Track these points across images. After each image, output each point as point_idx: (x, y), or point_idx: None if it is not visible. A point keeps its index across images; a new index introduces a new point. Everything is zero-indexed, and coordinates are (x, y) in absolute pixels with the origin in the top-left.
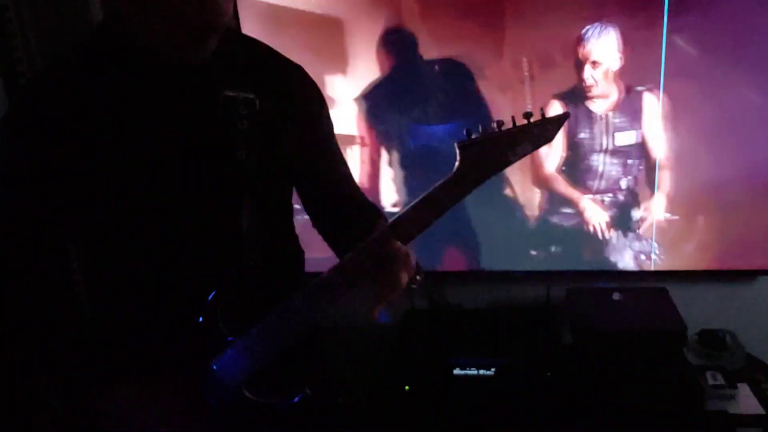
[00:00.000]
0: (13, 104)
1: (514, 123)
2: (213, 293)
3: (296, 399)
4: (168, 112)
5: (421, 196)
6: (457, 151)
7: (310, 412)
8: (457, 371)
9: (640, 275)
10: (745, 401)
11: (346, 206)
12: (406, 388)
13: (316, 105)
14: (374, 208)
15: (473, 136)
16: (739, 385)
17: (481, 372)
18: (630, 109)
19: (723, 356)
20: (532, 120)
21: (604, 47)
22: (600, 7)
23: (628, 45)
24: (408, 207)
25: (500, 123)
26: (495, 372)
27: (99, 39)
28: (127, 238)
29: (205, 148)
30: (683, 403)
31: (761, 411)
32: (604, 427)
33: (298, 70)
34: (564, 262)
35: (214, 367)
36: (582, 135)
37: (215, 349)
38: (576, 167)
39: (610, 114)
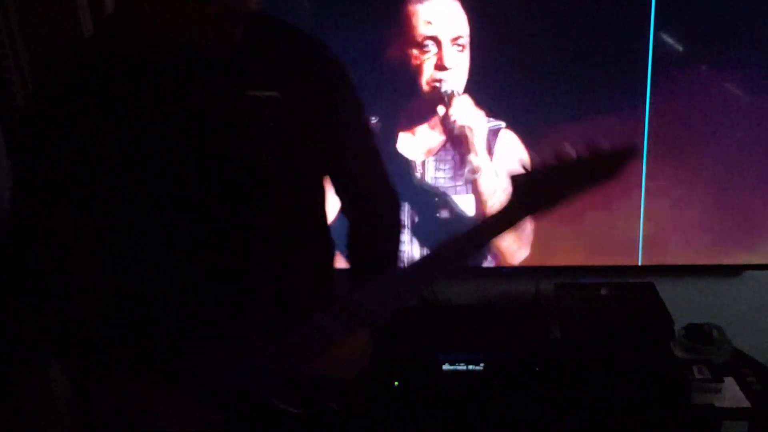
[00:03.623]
0: (28, 96)
1: (574, 155)
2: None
3: (320, 410)
4: (187, 113)
5: (462, 232)
6: (509, 183)
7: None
8: (446, 366)
9: (628, 270)
10: (731, 395)
11: (372, 194)
12: (396, 383)
13: (342, 87)
14: (395, 202)
15: (528, 169)
16: (725, 378)
17: (470, 367)
18: None
19: (709, 350)
20: (592, 153)
21: None
22: None
23: None
24: (448, 240)
25: (560, 154)
26: (484, 367)
27: (112, 29)
28: (145, 239)
29: (228, 151)
30: (670, 396)
31: (747, 404)
32: (592, 421)
33: (321, 47)
34: (552, 258)
35: (240, 373)
36: None
37: (243, 355)
38: None
39: None
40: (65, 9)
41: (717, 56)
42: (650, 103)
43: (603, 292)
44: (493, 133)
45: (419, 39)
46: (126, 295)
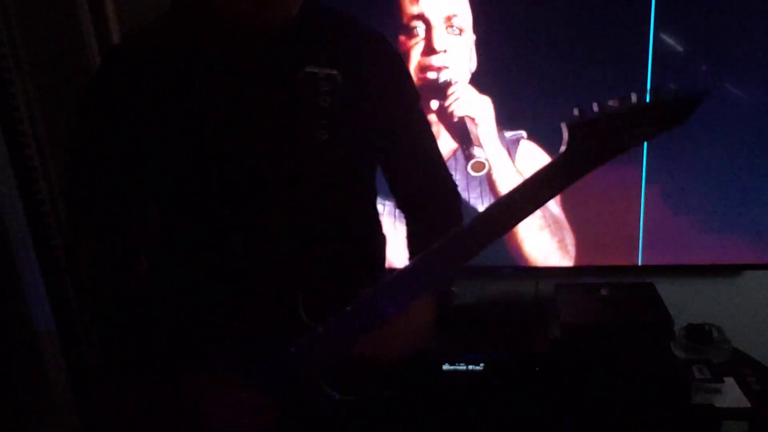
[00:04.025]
0: (92, 75)
1: (636, 100)
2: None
3: (381, 397)
4: (246, 88)
5: (517, 185)
6: (565, 132)
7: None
8: (446, 366)
9: (628, 270)
10: (731, 395)
11: (428, 186)
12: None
13: (399, 77)
14: (454, 193)
15: (585, 115)
16: (725, 378)
17: (470, 367)
18: None
19: (709, 350)
20: (659, 97)
21: None
22: None
23: None
24: (503, 197)
25: (623, 99)
26: (484, 367)
27: (177, 10)
28: (198, 216)
29: (285, 127)
30: (670, 396)
31: (747, 404)
32: (592, 421)
33: (381, 39)
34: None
35: (293, 357)
36: None
37: (293, 335)
38: None
39: None
40: (65, 9)
41: (717, 56)
42: None
43: (603, 292)
44: (513, 143)
45: (405, 20)
46: (177, 273)
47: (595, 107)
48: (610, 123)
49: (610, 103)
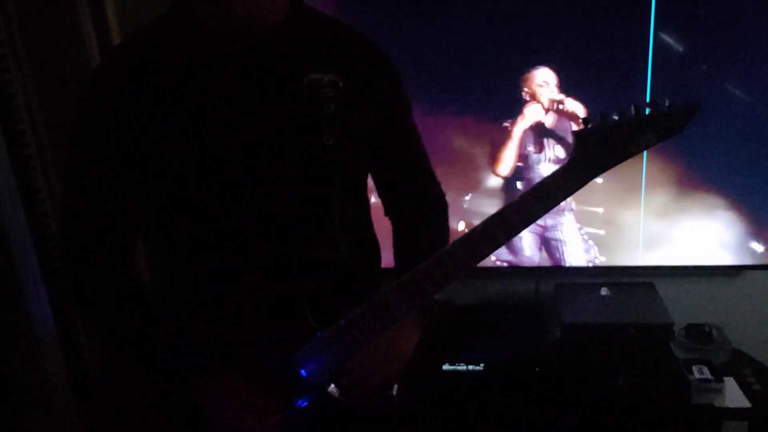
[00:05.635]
0: (89, 78)
1: (637, 112)
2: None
3: (384, 401)
4: (248, 93)
5: (527, 191)
6: (573, 140)
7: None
8: (446, 366)
9: (628, 270)
10: (731, 395)
11: (417, 193)
12: (395, 385)
13: (394, 84)
14: (442, 201)
15: (592, 125)
16: (725, 378)
17: (471, 367)
18: None
19: (709, 350)
20: (656, 108)
21: None
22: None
23: None
24: (514, 201)
25: (622, 112)
26: (484, 367)
27: (172, 16)
28: (203, 222)
29: (290, 133)
30: (670, 396)
31: (747, 404)
32: (592, 421)
33: (377, 47)
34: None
35: (300, 363)
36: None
37: (302, 343)
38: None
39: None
40: (65, 9)
41: (717, 56)
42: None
43: (603, 292)
44: None
45: None
46: (181, 277)
47: (599, 118)
48: (614, 132)
49: (614, 116)
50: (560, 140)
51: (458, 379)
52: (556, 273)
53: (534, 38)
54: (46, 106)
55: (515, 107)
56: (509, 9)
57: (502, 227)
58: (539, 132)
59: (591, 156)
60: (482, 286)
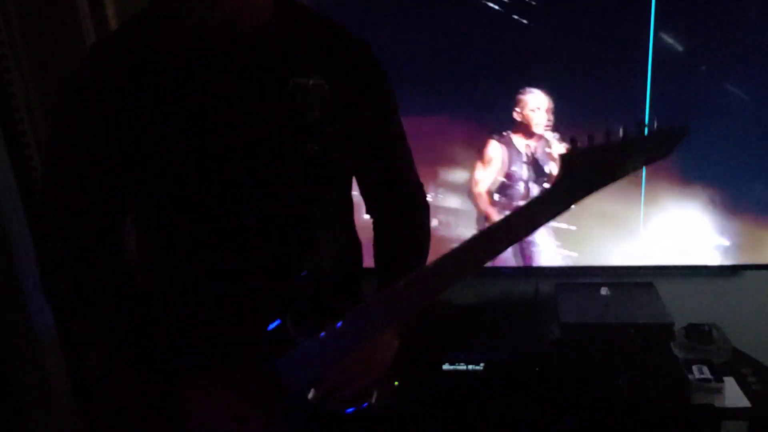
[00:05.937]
0: (70, 71)
1: (625, 134)
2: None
3: (364, 406)
4: (232, 96)
5: (512, 211)
6: (559, 162)
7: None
8: (446, 366)
9: (628, 270)
10: (731, 394)
11: (401, 195)
12: (396, 383)
13: (382, 84)
14: (424, 204)
15: (578, 147)
16: (725, 378)
17: (471, 367)
18: None
19: (709, 350)
20: (646, 132)
21: None
22: None
23: None
24: (498, 221)
25: (609, 133)
26: (484, 367)
27: (151, 14)
28: (184, 225)
29: (274, 138)
30: (670, 396)
31: (747, 404)
32: (592, 421)
33: (364, 46)
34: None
35: (280, 369)
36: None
37: (283, 351)
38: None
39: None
40: (65, 9)
41: (717, 56)
42: (650, 103)
43: (603, 292)
44: None
45: None
46: (161, 283)
47: (586, 140)
48: (600, 155)
49: (599, 139)
50: (545, 162)
51: (458, 379)
52: (556, 273)
53: (534, 38)
54: (46, 106)
55: (506, 122)
56: (509, 9)
57: (485, 247)
58: (526, 153)
59: (576, 178)
60: (482, 286)
